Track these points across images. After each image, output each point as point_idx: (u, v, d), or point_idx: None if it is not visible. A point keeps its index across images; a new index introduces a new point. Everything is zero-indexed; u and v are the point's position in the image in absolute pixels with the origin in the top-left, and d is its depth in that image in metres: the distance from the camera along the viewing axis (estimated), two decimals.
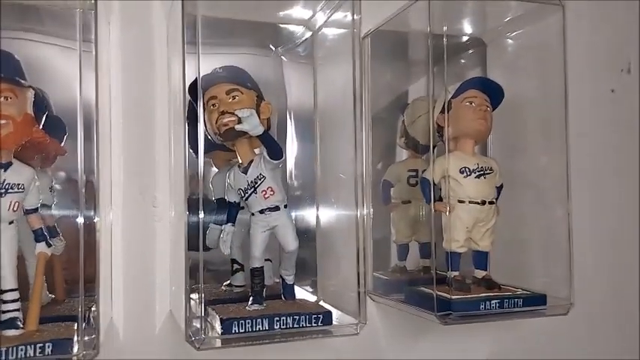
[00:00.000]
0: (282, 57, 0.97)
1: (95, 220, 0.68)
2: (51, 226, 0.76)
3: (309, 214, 0.92)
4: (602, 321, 1.09)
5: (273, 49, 0.96)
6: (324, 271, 0.89)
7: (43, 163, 0.78)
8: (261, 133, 0.72)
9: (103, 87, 0.78)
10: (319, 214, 0.90)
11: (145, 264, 0.83)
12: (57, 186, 0.78)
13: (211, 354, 0.79)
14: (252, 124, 0.70)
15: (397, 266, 0.98)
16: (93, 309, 0.68)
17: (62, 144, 0.76)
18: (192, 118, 0.71)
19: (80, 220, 0.67)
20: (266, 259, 0.88)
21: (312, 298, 0.85)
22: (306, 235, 0.90)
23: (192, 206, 0.70)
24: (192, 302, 0.78)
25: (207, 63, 0.74)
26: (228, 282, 0.88)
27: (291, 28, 0.92)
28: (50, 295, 0.77)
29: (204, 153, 0.81)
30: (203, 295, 0.68)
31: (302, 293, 0.85)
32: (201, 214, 0.70)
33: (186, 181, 0.70)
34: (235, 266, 0.87)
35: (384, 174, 0.99)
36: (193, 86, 0.70)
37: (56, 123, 0.75)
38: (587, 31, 1.09)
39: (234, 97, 0.72)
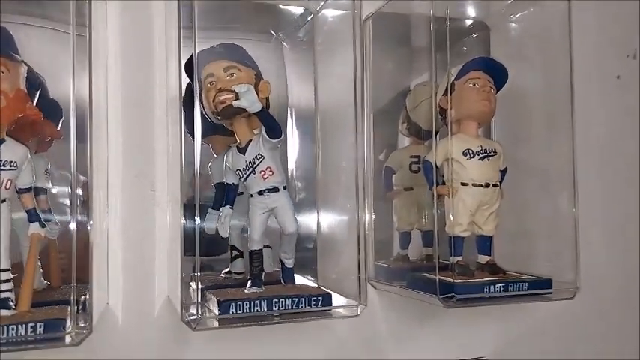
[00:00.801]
0: (283, 43, 0.95)
1: (88, 210, 0.66)
2: (46, 209, 0.75)
3: (309, 205, 0.90)
4: (610, 309, 1.07)
5: (274, 34, 0.95)
6: (325, 260, 0.87)
7: (39, 147, 0.77)
8: (259, 109, 0.70)
9: (99, 72, 0.77)
10: (319, 205, 0.88)
11: (143, 249, 0.81)
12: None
13: (210, 337, 0.78)
14: (250, 100, 0.69)
15: (399, 254, 0.97)
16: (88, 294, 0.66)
17: (58, 128, 0.75)
18: (189, 102, 0.71)
19: (73, 204, 0.66)
20: (266, 246, 0.87)
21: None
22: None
23: (187, 192, 0.69)
24: (190, 288, 0.77)
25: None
26: (228, 269, 0.86)
27: (292, 9, 0.91)
28: (46, 282, 0.76)
29: (203, 137, 0.82)
30: (199, 273, 0.66)
31: (303, 281, 0.84)
32: (197, 199, 0.69)
33: (181, 165, 0.69)
34: (234, 253, 0.86)
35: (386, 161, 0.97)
36: (189, 64, 0.68)
37: (52, 106, 0.74)
38: (592, 16, 1.08)
39: (231, 75, 0.71)
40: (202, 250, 0.84)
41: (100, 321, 0.77)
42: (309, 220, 0.90)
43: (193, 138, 0.69)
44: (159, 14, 0.83)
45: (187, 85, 0.72)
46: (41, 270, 0.75)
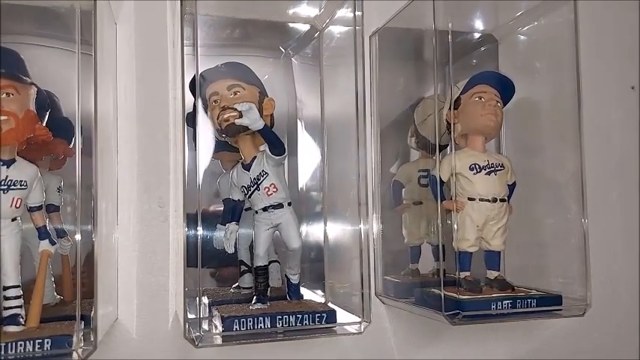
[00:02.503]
0: (293, 59, 0.96)
1: (91, 227, 0.66)
2: (59, 226, 0.77)
3: (316, 219, 0.91)
4: (623, 324, 1.04)
5: (283, 51, 0.96)
6: (332, 275, 0.87)
7: (52, 164, 0.79)
8: (261, 127, 0.71)
9: (107, 89, 0.79)
10: (326, 217, 0.89)
11: (153, 263, 0.82)
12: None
13: (217, 354, 0.78)
14: (252, 118, 0.70)
15: (409, 269, 0.96)
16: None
17: (71, 145, 0.77)
18: (194, 119, 0.72)
19: (77, 221, 0.66)
20: (274, 261, 0.87)
21: (321, 300, 0.84)
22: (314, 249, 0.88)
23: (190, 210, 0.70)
24: (201, 304, 0.78)
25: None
26: (237, 284, 0.87)
27: (299, 27, 0.91)
28: (59, 297, 0.77)
29: (212, 153, 0.83)
30: (201, 288, 0.66)
31: (311, 296, 0.84)
32: (199, 217, 0.70)
33: (184, 182, 0.70)
34: (243, 268, 0.86)
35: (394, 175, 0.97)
36: (193, 83, 0.69)
37: (64, 124, 0.76)
38: (605, 27, 1.06)
39: (235, 93, 0.72)
40: (212, 263, 0.86)
41: (110, 336, 0.78)
42: (317, 234, 0.90)
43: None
44: (171, 31, 0.85)
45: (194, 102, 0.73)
46: (54, 285, 0.76)
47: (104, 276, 0.72)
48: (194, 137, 0.74)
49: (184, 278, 0.65)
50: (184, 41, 0.74)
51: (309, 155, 0.93)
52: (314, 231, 0.90)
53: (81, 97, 0.66)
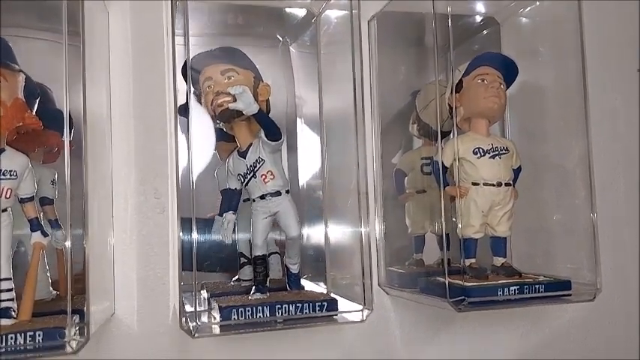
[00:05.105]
0: (291, 48, 0.94)
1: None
2: (53, 219, 0.75)
3: (316, 212, 0.89)
4: (632, 312, 1.01)
5: (281, 39, 0.94)
6: (334, 268, 0.85)
7: (45, 158, 0.78)
8: (255, 111, 0.69)
9: (100, 79, 0.77)
10: (327, 209, 0.87)
11: (150, 258, 0.80)
12: None
13: (215, 345, 0.76)
14: (246, 102, 0.68)
15: (414, 259, 0.94)
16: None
17: (63, 138, 0.75)
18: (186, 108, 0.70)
19: (67, 214, 0.64)
20: (274, 252, 0.85)
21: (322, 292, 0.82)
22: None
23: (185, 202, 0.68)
24: (201, 297, 0.76)
25: None
26: (237, 277, 0.85)
27: (295, 12, 0.90)
28: (55, 292, 0.76)
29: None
30: (196, 277, 0.64)
31: (312, 288, 0.82)
32: (194, 208, 0.68)
33: (177, 174, 0.68)
34: (242, 260, 0.85)
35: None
36: (185, 68, 0.68)
37: (57, 116, 0.74)
38: (610, 8, 1.04)
39: (229, 78, 0.70)
40: (209, 256, 0.84)
41: (108, 331, 0.76)
42: (318, 228, 0.88)
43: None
44: (166, 18, 0.83)
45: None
46: (49, 280, 0.75)
47: (98, 269, 0.71)
48: (187, 128, 0.73)
49: (179, 272, 0.63)
50: (175, 30, 0.73)
51: (308, 147, 0.91)
52: (315, 224, 0.88)
53: (70, 89, 0.64)
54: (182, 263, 0.68)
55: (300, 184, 0.91)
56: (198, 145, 0.80)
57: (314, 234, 0.88)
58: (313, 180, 0.91)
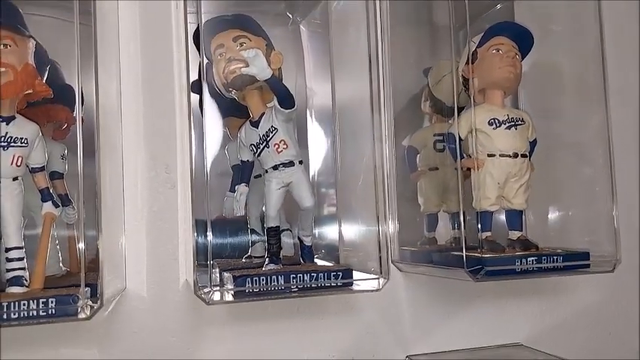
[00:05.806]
0: (301, 26, 0.93)
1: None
2: (63, 194, 0.75)
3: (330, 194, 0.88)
4: None
5: (291, 17, 0.93)
6: (346, 243, 0.84)
7: (55, 134, 0.77)
8: (269, 76, 0.68)
9: (112, 60, 0.76)
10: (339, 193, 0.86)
11: (160, 231, 0.79)
12: None
13: (227, 313, 0.75)
14: (260, 66, 0.67)
15: (426, 238, 0.92)
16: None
17: (74, 113, 0.74)
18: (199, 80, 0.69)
19: (80, 187, 0.63)
20: (286, 229, 0.84)
21: None
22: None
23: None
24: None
25: None
26: (249, 254, 0.84)
27: None
28: (65, 269, 0.75)
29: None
30: (210, 240, 0.63)
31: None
32: (207, 175, 0.67)
33: (190, 150, 0.67)
34: (254, 237, 0.84)
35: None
36: (197, 36, 0.67)
37: (68, 91, 0.73)
38: None
39: (241, 44, 0.69)
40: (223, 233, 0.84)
41: (119, 305, 0.76)
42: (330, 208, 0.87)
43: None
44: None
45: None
46: (60, 256, 0.74)
47: (108, 245, 0.70)
48: (200, 102, 0.72)
49: (194, 242, 0.62)
50: (187, 9, 0.71)
51: (321, 128, 0.90)
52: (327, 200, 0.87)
53: (81, 65, 0.63)
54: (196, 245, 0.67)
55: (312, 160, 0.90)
56: (212, 122, 0.80)
57: (326, 213, 0.87)
58: (324, 164, 0.90)
